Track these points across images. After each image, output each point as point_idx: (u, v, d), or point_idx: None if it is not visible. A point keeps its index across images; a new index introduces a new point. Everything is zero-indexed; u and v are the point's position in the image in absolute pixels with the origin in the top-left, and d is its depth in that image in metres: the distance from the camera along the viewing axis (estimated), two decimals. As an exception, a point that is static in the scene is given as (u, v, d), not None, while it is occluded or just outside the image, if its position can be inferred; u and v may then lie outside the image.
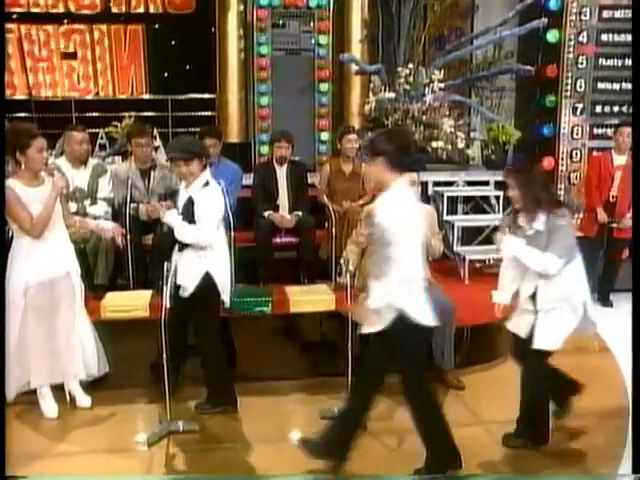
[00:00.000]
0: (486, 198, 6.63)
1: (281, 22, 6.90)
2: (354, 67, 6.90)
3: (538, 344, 3.30)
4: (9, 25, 6.89)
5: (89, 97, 7.17)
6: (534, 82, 6.79)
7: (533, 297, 3.36)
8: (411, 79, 6.66)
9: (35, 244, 3.71)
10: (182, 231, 3.71)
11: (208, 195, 3.72)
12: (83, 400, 4.04)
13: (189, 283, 3.76)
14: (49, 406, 3.94)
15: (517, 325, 3.49)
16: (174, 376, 3.84)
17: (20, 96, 7.02)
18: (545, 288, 3.30)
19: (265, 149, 6.76)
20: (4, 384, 3.50)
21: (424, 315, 3.00)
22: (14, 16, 6.90)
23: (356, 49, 7.01)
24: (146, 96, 7.22)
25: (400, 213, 2.91)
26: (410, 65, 6.71)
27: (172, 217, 3.78)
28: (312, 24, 6.93)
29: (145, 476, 3.40)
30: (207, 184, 3.74)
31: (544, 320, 3.31)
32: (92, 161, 4.86)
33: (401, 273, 2.89)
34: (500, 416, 3.81)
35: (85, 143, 4.70)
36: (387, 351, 3.09)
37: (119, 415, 3.98)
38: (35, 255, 3.72)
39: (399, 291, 2.90)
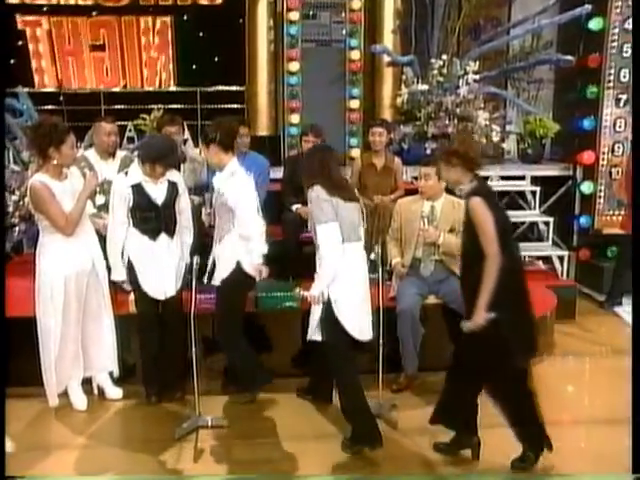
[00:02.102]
0: (522, 193, 6.58)
1: (312, 13, 6.93)
2: (386, 58, 6.91)
3: None
4: (38, 18, 7.07)
5: (117, 89, 7.30)
6: (574, 73, 6.70)
7: None
8: (445, 71, 6.64)
9: (67, 238, 3.81)
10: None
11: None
12: (113, 392, 4.14)
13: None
14: (79, 398, 4.03)
15: None
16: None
17: (49, 88, 7.18)
18: None
19: (295, 142, 6.79)
20: (4, 384, 3.52)
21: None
22: (44, 9, 7.06)
23: (388, 40, 7.02)
24: (174, 88, 7.32)
25: (238, 184, 3.80)
26: (444, 56, 6.69)
27: None
28: (343, 14, 6.93)
29: (146, 476, 3.48)
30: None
31: None
32: (120, 153, 4.94)
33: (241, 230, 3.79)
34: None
35: (113, 134, 4.78)
36: None
37: (147, 409, 4.08)
38: (68, 250, 3.81)
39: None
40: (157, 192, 3.99)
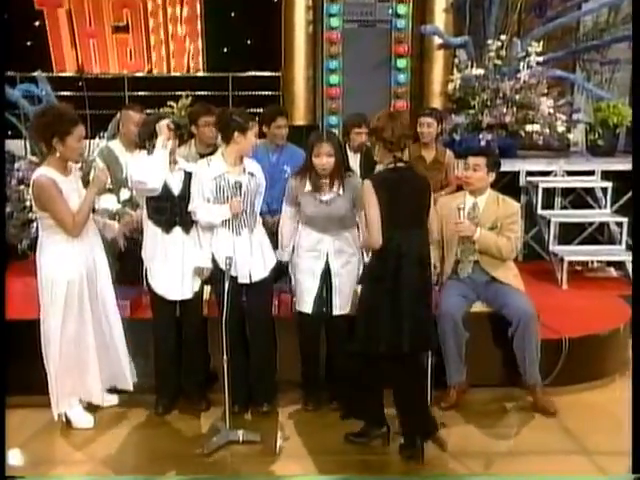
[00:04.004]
0: (590, 190, 6.49)
1: (355, -10, 6.99)
2: (437, 40, 6.92)
3: None
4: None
5: (142, 74, 7.46)
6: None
7: None
8: (503, 53, 6.61)
9: (70, 239, 3.80)
10: None
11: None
12: (107, 401, 4.18)
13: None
14: (83, 416, 4.10)
15: None
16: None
17: (69, 73, 7.39)
18: None
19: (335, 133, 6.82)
20: (4, 383, 3.57)
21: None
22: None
23: (439, 19, 7.02)
24: (204, 74, 7.44)
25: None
26: (502, 36, 6.66)
27: None
28: (389, -9, 6.99)
29: (147, 476, 3.58)
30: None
31: None
32: (148, 144, 5.04)
33: None
34: (606, 446, 3.77)
35: (141, 124, 4.88)
36: None
37: (175, 422, 4.17)
38: (71, 251, 3.81)
39: None
40: (174, 181, 4.03)
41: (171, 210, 4.02)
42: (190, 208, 4.00)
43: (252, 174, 4.08)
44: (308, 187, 4.01)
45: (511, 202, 4.44)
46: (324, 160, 3.89)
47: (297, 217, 4.15)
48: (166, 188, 3.98)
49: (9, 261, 5.35)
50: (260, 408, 4.19)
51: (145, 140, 3.97)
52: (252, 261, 4.05)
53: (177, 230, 4.05)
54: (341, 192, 3.99)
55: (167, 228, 4.03)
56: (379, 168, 3.75)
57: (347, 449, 3.83)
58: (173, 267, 4.05)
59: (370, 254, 3.75)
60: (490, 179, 4.34)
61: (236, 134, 3.92)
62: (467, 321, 4.25)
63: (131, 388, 4.20)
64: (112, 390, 4.24)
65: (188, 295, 4.10)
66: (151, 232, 4.06)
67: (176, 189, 4.02)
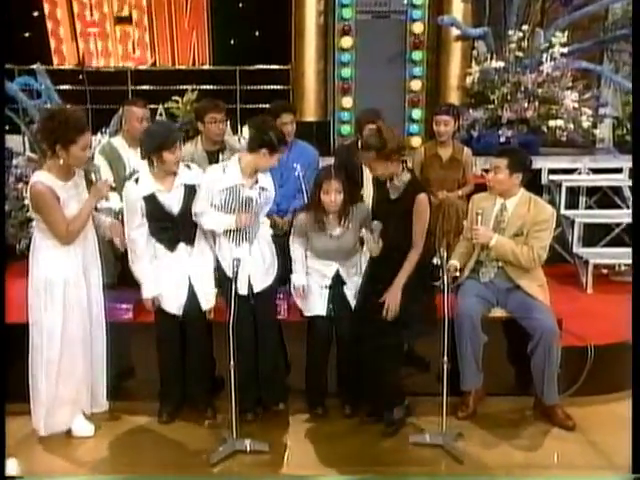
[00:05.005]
0: (617, 189, 6.49)
1: (368, -22, 7.03)
2: (454, 31, 6.94)
3: None
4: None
5: (145, 67, 7.52)
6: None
7: None
8: (525, 44, 6.64)
9: (65, 245, 3.83)
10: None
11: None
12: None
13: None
14: (84, 425, 4.13)
15: None
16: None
17: (69, 66, 7.45)
18: None
19: (347, 129, 6.87)
20: (4, 383, 3.63)
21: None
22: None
23: (457, 9, 7.08)
24: (210, 67, 7.49)
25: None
26: (524, 27, 6.69)
27: None
28: (405, -20, 7.03)
29: (146, 476, 3.65)
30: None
31: None
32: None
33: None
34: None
35: (145, 120, 4.92)
36: None
37: (180, 430, 4.20)
38: (65, 257, 3.84)
39: None
40: (172, 200, 4.06)
41: (173, 229, 4.09)
42: (194, 210, 4.05)
43: (263, 188, 4.15)
44: (316, 222, 4.17)
45: (544, 207, 4.35)
46: (332, 197, 4.05)
47: (307, 245, 4.31)
48: (164, 210, 4.04)
49: (8, 262, 5.40)
50: (276, 407, 4.28)
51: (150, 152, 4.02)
52: (253, 272, 4.13)
53: (181, 246, 4.13)
54: (350, 226, 4.17)
55: (171, 247, 4.11)
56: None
57: (359, 459, 3.87)
58: (178, 282, 4.12)
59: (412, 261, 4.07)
60: (515, 181, 4.27)
61: (264, 150, 3.98)
62: (485, 324, 4.26)
63: (105, 408, 4.21)
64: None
65: (193, 309, 4.16)
66: (153, 248, 4.12)
67: (176, 207, 4.06)
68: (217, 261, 4.18)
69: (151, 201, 4.01)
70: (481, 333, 4.23)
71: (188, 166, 4.19)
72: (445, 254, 4.13)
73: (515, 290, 4.32)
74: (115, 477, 3.72)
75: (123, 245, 4.14)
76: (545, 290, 4.35)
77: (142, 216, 4.03)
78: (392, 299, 4.00)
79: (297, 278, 4.28)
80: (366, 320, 4.07)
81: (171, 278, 4.11)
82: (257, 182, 4.10)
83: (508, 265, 4.31)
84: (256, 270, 4.15)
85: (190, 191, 4.07)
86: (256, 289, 4.15)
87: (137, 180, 4.02)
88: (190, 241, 4.14)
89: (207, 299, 4.18)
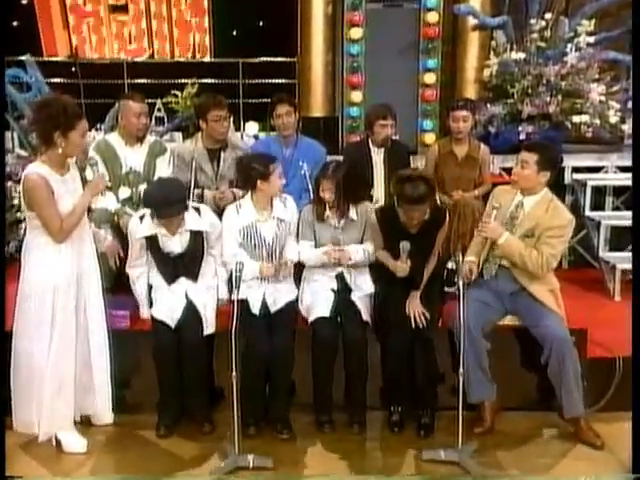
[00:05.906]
0: (645, 190, 6.45)
1: (379, -35, 7.02)
2: (472, 21, 6.92)
3: None
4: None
5: (142, 59, 7.52)
6: None
7: None
8: (548, 34, 6.61)
9: (58, 244, 3.84)
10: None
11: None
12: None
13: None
14: (76, 439, 4.10)
15: None
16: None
17: (61, 57, 7.46)
18: None
19: (356, 125, 6.85)
20: (4, 383, 3.65)
21: None
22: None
23: (475, -3, 7.02)
24: (211, 59, 7.49)
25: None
26: (547, 15, 6.65)
27: None
28: (418, -34, 7.01)
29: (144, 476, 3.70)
30: None
31: None
32: (149, 138, 5.09)
33: None
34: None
35: (143, 116, 4.91)
36: None
37: (178, 444, 4.19)
38: (59, 257, 3.84)
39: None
40: (174, 244, 4.23)
41: (174, 266, 4.26)
42: (224, 258, 4.34)
43: (281, 220, 4.36)
44: (318, 216, 4.41)
45: (562, 212, 4.27)
46: (327, 195, 4.30)
47: (312, 243, 4.47)
48: (164, 252, 4.21)
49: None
50: (279, 435, 4.23)
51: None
52: (273, 298, 4.34)
53: (182, 280, 4.28)
54: (355, 218, 4.38)
55: (170, 280, 4.28)
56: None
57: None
58: (176, 304, 4.23)
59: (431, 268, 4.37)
60: (542, 179, 4.21)
61: (259, 182, 4.23)
62: (491, 332, 4.25)
63: (110, 421, 4.23)
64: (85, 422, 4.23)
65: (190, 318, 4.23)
66: (153, 275, 4.32)
67: (179, 249, 4.23)
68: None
69: (153, 242, 4.20)
70: (482, 340, 4.19)
71: (197, 209, 4.31)
72: (461, 258, 4.12)
73: (521, 294, 4.28)
74: (115, 477, 3.75)
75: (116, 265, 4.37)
76: (556, 295, 4.30)
77: (143, 250, 4.26)
78: (415, 307, 4.23)
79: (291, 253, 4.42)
80: (409, 329, 4.22)
81: (170, 300, 4.26)
82: (274, 215, 4.34)
83: (514, 267, 4.26)
84: (277, 297, 4.35)
85: (196, 236, 4.24)
86: (272, 310, 4.32)
87: (142, 218, 4.21)
88: (193, 277, 4.30)
89: (209, 324, 4.27)
